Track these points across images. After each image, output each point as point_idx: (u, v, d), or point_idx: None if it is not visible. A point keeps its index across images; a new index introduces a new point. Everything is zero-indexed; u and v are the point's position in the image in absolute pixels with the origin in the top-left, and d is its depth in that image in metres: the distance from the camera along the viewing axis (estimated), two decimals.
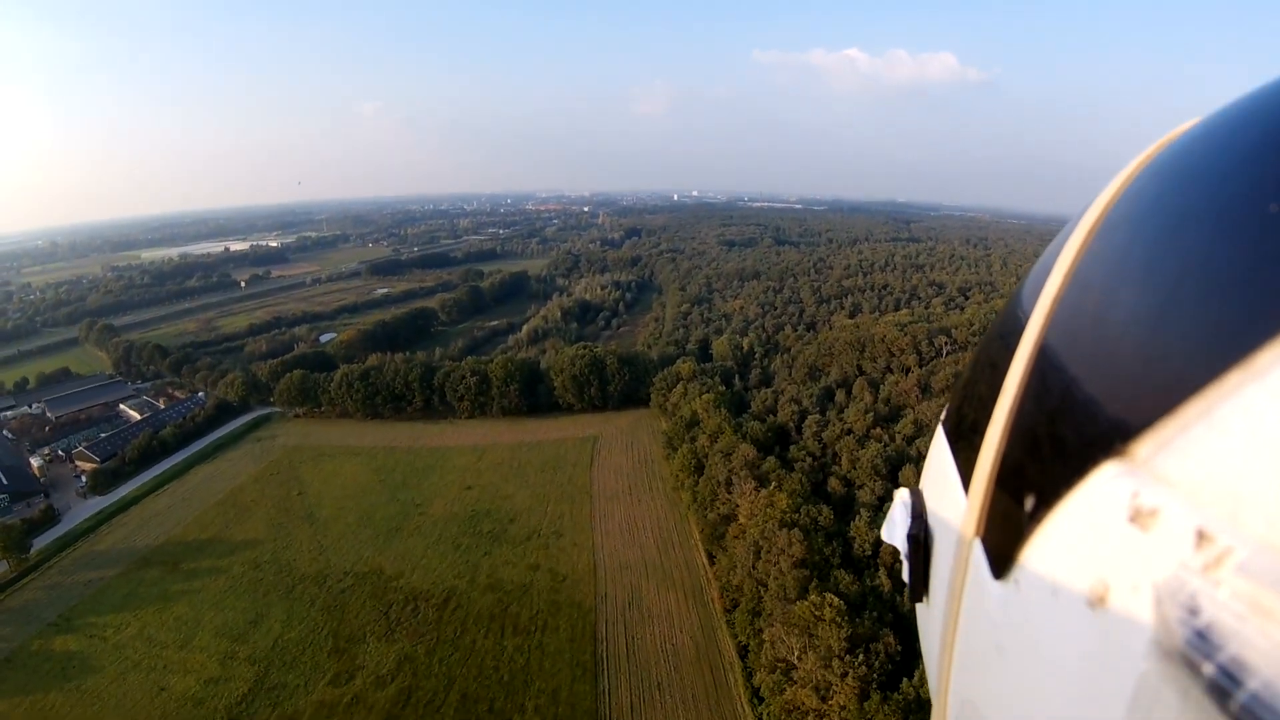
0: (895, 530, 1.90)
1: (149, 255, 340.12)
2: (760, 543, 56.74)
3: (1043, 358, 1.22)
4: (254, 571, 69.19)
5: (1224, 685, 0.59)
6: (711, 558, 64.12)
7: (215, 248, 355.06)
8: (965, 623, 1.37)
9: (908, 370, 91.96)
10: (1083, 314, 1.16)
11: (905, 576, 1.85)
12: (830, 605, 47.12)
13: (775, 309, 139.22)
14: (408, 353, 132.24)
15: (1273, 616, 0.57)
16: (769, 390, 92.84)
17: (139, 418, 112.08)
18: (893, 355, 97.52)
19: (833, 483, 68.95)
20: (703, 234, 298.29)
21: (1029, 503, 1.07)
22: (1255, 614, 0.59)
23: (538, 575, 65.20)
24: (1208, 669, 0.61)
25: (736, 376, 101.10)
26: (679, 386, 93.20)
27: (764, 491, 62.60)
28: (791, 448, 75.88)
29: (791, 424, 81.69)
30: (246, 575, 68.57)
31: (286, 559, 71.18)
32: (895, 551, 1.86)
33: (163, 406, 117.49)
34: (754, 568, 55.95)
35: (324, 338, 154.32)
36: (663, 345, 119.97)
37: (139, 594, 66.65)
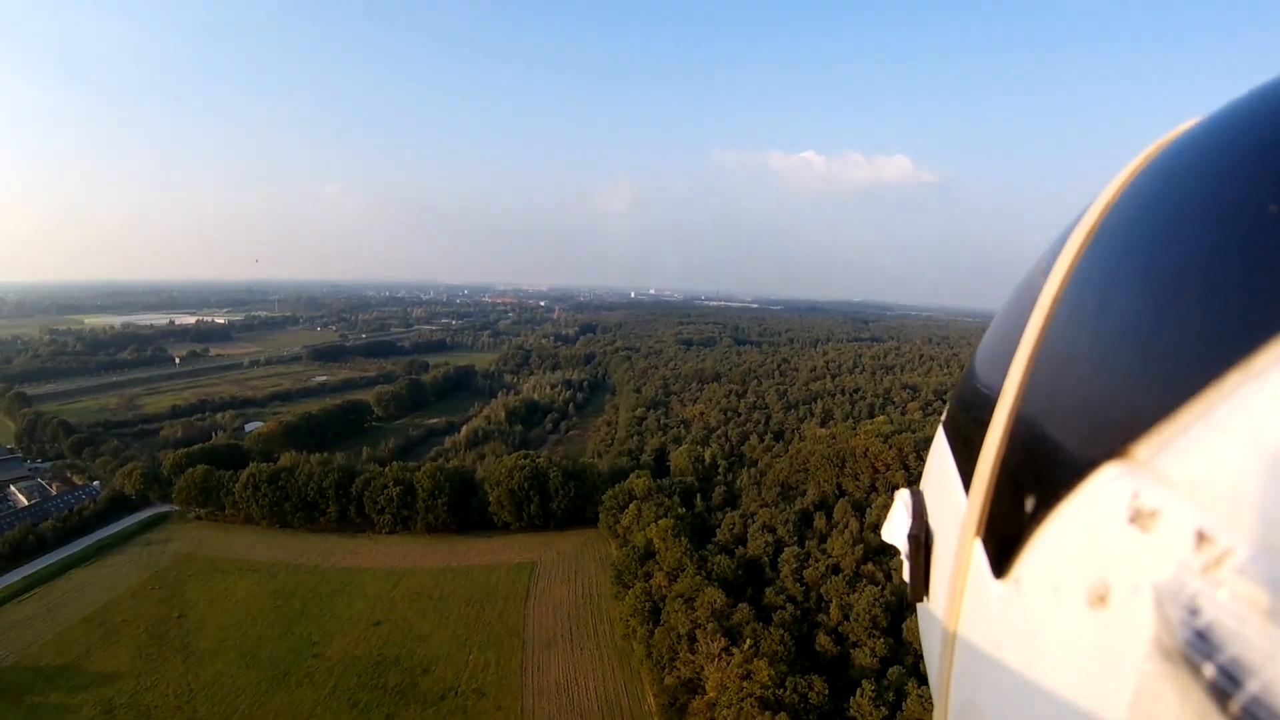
0: (896, 530, 1.91)
1: (92, 321, 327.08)
2: None
3: (1043, 358, 1.23)
4: (104, 718, 55.20)
5: (1224, 686, 0.58)
6: None
7: (161, 319, 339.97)
8: (966, 622, 1.37)
9: (895, 489, 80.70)
10: (1082, 314, 1.15)
11: (906, 576, 1.87)
12: None
13: (739, 415, 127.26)
14: (328, 453, 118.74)
15: (1273, 617, 0.57)
16: (736, 513, 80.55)
17: (25, 503, 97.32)
18: (877, 471, 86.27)
19: (821, 639, 56.46)
20: (660, 332, 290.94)
21: (1029, 503, 1.06)
22: (1255, 615, 0.58)
23: None
24: (1208, 670, 0.60)
25: (698, 495, 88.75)
26: (632, 507, 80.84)
27: (737, 653, 50.14)
28: (767, 590, 63.41)
29: (765, 558, 69.32)
30: None
31: (146, 704, 56.97)
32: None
33: (55, 493, 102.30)
34: None
35: (249, 426, 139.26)
36: (614, 455, 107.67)
37: None
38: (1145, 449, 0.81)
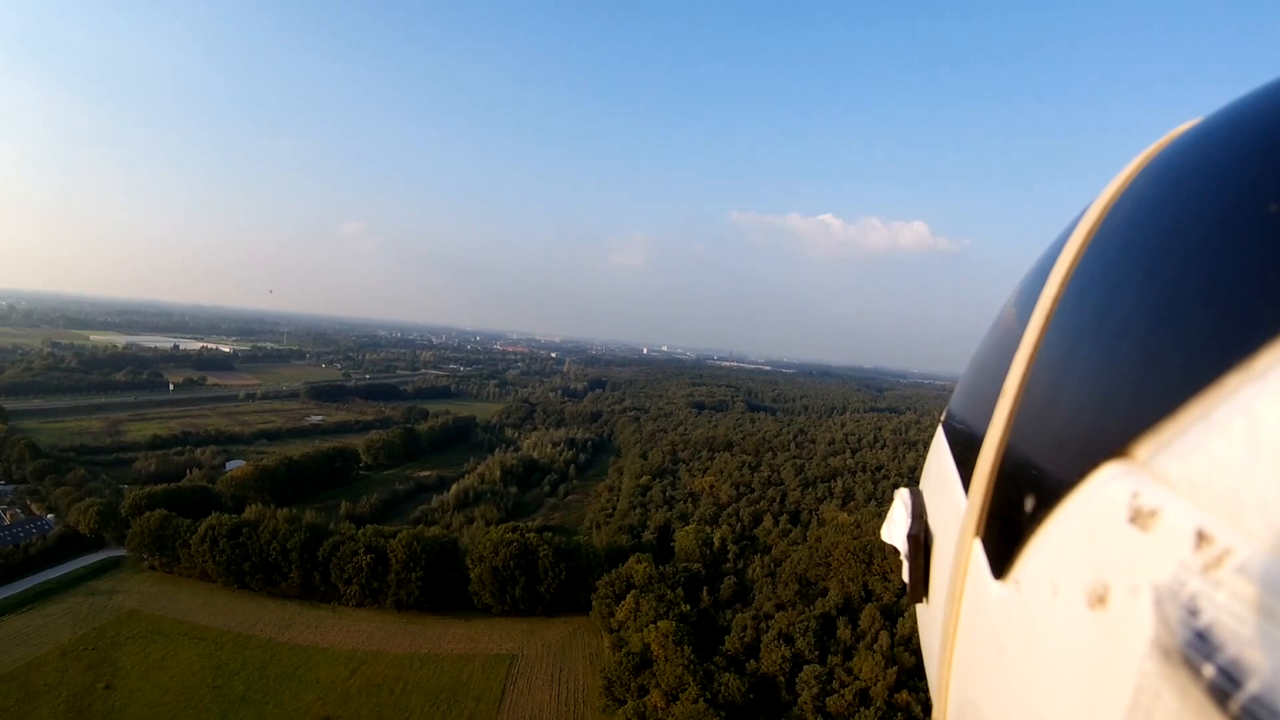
0: (895, 530, 1.90)
1: (97, 338, 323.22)
2: None
3: (1042, 358, 1.23)
4: None
5: (1224, 686, 0.57)
6: None
7: (165, 342, 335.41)
8: (965, 623, 1.36)
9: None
10: (1082, 314, 1.16)
11: (905, 577, 1.86)
12: None
13: (752, 491, 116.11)
14: (306, 503, 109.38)
15: (1273, 618, 0.55)
16: (748, 614, 70.23)
17: None
18: None
19: None
20: (670, 392, 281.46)
21: (1029, 503, 1.06)
22: (1255, 615, 0.57)
23: None
24: (1208, 670, 0.59)
25: (705, 588, 78.37)
26: (629, 598, 70.91)
27: None
28: None
29: (781, 676, 59.29)
30: None
31: None
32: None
33: (8, 522, 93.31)
34: None
35: (230, 465, 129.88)
36: (613, 530, 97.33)
37: None
38: (1145, 449, 0.80)
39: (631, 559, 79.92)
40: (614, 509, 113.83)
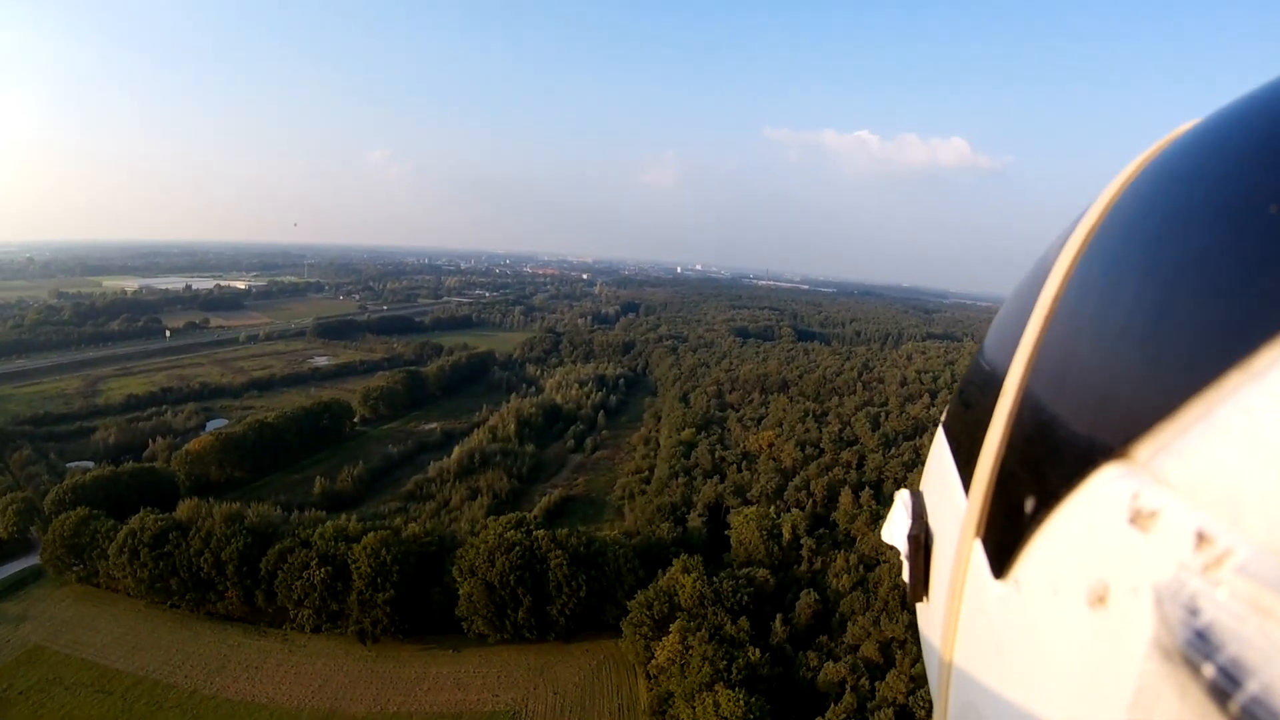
0: (895, 531, 1.92)
1: (110, 283, 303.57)
2: None
3: (1042, 359, 1.23)
4: None
5: (1224, 686, 0.58)
6: None
7: (178, 283, 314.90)
8: (965, 623, 1.38)
9: None
10: (1082, 315, 1.16)
11: (905, 577, 1.89)
12: None
13: (822, 453, 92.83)
14: (280, 473, 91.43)
15: (1272, 617, 0.57)
16: (843, 663, 49.30)
17: None
18: None
19: None
20: (709, 316, 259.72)
21: (1029, 504, 1.06)
22: (1255, 615, 0.58)
23: None
24: (1207, 670, 0.60)
25: (778, 614, 56.72)
26: (674, 632, 50.60)
27: None
28: None
29: None
30: None
31: None
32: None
33: None
34: None
35: (210, 424, 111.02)
36: (650, 510, 75.64)
37: None
38: (1145, 450, 0.80)
39: (676, 565, 59.25)
40: (650, 473, 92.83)
